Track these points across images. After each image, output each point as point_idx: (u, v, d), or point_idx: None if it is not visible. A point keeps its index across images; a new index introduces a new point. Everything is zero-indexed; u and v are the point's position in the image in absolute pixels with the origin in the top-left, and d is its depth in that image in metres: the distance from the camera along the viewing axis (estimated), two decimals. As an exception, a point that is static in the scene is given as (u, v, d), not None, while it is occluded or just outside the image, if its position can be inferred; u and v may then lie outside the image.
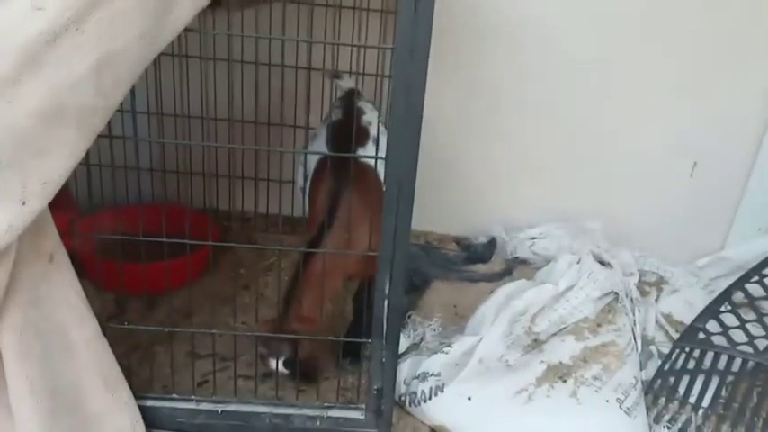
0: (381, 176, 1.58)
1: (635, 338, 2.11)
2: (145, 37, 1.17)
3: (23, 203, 1.17)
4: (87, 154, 1.22)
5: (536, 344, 2.02)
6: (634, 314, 2.21)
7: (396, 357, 1.46)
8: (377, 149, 1.47)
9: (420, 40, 1.19)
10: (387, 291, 1.36)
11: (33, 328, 1.30)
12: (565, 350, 1.94)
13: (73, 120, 1.16)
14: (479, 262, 2.46)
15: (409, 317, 2.11)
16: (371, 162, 1.65)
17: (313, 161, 1.89)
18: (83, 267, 1.99)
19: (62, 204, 1.41)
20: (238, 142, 2.35)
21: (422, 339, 2.02)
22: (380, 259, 1.35)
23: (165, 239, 1.46)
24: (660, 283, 2.51)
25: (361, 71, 2.22)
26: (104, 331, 1.45)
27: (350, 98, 2.01)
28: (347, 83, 2.13)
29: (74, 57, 1.12)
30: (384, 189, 1.35)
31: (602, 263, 2.32)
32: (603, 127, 2.47)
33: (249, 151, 2.38)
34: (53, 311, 1.34)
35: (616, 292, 2.21)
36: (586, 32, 2.36)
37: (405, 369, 1.86)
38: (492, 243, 2.52)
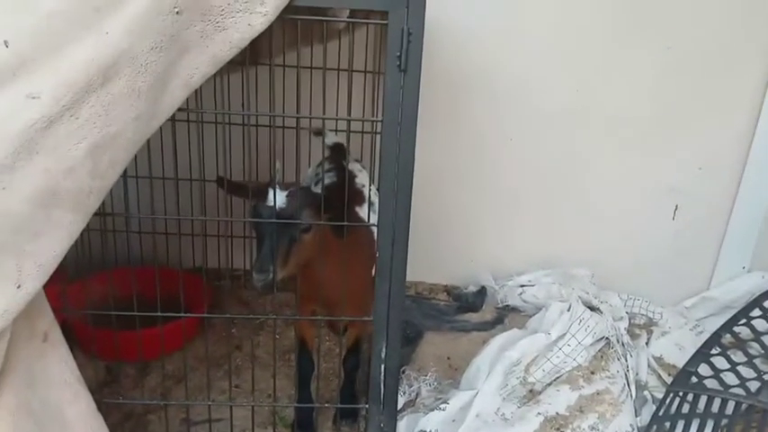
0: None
1: (629, 385, 2.13)
2: (140, 119, 1.20)
3: (18, 287, 1.17)
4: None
5: (531, 395, 2.03)
6: (626, 359, 2.22)
7: (394, 421, 1.46)
8: (369, 213, 1.50)
9: (408, 108, 1.23)
10: (383, 354, 1.37)
11: (26, 409, 1.29)
12: (560, 400, 1.95)
13: (68, 202, 1.17)
14: (470, 311, 2.48)
15: (403, 372, 2.10)
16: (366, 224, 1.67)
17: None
18: (73, 335, 1.99)
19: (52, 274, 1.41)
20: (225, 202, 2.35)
21: (417, 395, 2.02)
22: (376, 322, 1.36)
23: (159, 313, 1.44)
24: (649, 325, 2.53)
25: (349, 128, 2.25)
26: (99, 407, 1.44)
27: (339, 158, 2.05)
28: (332, 138, 2.17)
29: (69, 142, 1.14)
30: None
31: (591, 308, 2.34)
32: (586, 174, 2.52)
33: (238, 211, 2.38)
34: (48, 390, 1.32)
35: (608, 338, 2.23)
36: (560, 83, 2.43)
37: (402, 428, 1.85)
38: (482, 292, 2.53)
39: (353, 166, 2.03)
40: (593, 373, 2.12)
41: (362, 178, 2.02)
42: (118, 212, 1.46)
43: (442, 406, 1.88)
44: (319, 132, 2.22)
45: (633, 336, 2.44)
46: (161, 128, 1.27)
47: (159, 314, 1.44)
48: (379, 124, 1.26)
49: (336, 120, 2.11)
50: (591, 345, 2.17)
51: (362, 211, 1.83)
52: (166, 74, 1.19)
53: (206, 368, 2.00)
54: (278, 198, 1.49)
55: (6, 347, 1.22)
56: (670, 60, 2.38)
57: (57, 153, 1.14)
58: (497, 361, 2.04)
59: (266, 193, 1.50)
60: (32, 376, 1.29)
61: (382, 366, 1.36)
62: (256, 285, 1.41)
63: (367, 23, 1.34)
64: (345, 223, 1.42)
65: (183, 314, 1.52)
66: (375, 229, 1.47)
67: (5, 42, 1.08)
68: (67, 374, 1.35)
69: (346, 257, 1.62)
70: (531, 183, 2.54)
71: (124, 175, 1.37)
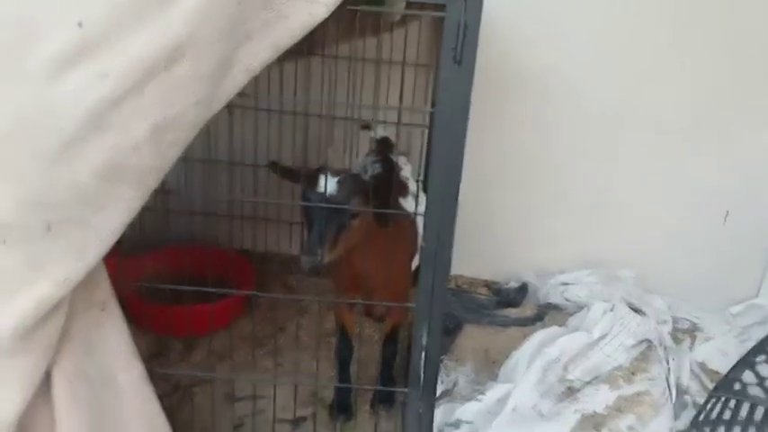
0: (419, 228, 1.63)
1: (669, 388, 2.11)
2: (200, 103, 1.24)
3: (80, 257, 1.23)
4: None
5: (570, 392, 2.02)
6: (668, 363, 2.20)
7: (432, 408, 1.48)
8: (416, 204, 1.52)
9: (461, 101, 1.25)
10: (424, 342, 1.39)
11: (83, 375, 1.35)
12: (599, 399, 1.94)
13: (131, 178, 1.23)
14: (510, 306, 2.48)
15: (441, 361, 2.12)
16: (410, 214, 1.70)
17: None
18: (125, 308, 2.07)
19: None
20: (276, 187, 2.41)
21: (455, 385, 2.04)
22: (418, 311, 1.39)
23: (210, 289, 1.50)
24: (693, 330, 2.49)
25: (399, 119, 2.28)
26: (149, 376, 1.50)
27: (385, 151, 2.08)
28: (380, 132, 2.20)
29: (134, 120, 1.19)
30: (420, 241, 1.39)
31: (635, 310, 2.33)
32: (634, 173, 2.49)
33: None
34: (103, 358, 1.39)
35: (650, 340, 2.21)
36: (611, 85, 2.40)
37: (438, 416, 1.87)
38: (523, 288, 2.53)
39: (399, 159, 2.06)
40: (633, 374, 2.11)
41: (407, 171, 2.05)
42: (174, 191, 1.49)
43: (479, 397, 1.90)
44: (367, 126, 2.25)
45: (676, 340, 2.41)
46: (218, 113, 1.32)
47: (209, 290, 1.48)
48: (429, 117, 1.27)
49: (386, 109, 2.13)
50: (633, 346, 2.16)
51: (406, 204, 1.86)
52: (228, 60, 1.23)
53: (251, 347, 2.07)
54: (329, 183, 1.52)
55: (66, 315, 1.29)
56: (720, 62, 2.33)
57: (123, 130, 1.19)
58: (537, 356, 2.04)
59: (317, 179, 1.53)
60: (89, 344, 1.35)
61: (423, 354, 1.39)
62: (304, 267, 1.45)
63: (423, 16, 1.36)
64: (390, 211, 1.45)
65: (231, 291, 1.55)
66: (419, 222, 1.50)
67: (79, 23, 1.13)
68: (122, 344, 1.42)
69: (388, 247, 1.66)
70: (577, 182, 2.53)
71: (183, 157, 1.43)
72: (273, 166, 1.63)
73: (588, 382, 2.06)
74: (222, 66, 1.24)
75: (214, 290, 1.51)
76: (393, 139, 2.20)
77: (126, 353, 1.43)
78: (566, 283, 2.48)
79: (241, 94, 1.35)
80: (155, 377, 1.54)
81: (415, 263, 1.87)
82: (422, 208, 1.39)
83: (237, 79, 1.26)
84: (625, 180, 2.51)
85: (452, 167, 1.29)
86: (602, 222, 2.56)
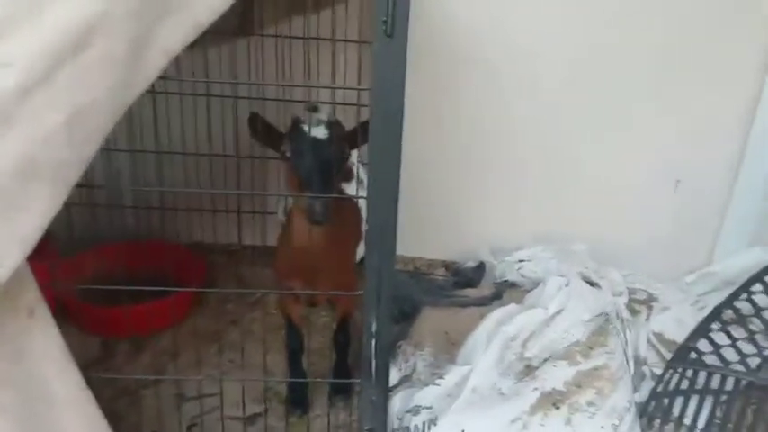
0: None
1: (627, 360, 2.10)
2: (117, 86, 1.16)
3: (-2, 262, 1.14)
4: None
5: (528, 370, 2.00)
6: (625, 335, 2.20)
7: (386, 397, 1.44)
8: (357, 189, 1.46)
9: (395, 77, 1.19)
10: (374, 329, 1.34)
11: (11, 384, 1.27)
12: (558, 376, 1.92)
13: (47, 174, 1.14)
14: (469, 286, 2.44)
15: (399, 347, 2.08)
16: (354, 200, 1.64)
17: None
18: (65, 311, 1.98)
19: (40, 249, 1.39)
20: (220, 176, 2.33)
21: (413, 371, 2.00)
22: (366, 297, 1.34)
23: (145, 288, 1.42)
24: (650, 301, 2.50)
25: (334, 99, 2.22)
26: (89, 382, 1.42)
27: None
28: (324, 115, 2.12)
29: (46, 111, 1.10)
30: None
31: (590, 283, 2.32)
32: (585, 147, 2.47)
33: (231, 184, 2.36)
34: (33, 365, 1.30)
35: (606, 314, 2.20)
36: (560, 53, 2.36)
37: (397, 403, 1.83)
38: (481, 267, 2.50)
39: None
40: (591, 348, 2.08)
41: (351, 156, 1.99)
42: (105, 185, 1.40)
43: (438, 381, 1.86)
44: (314, 108, 2.17)
45: (633, 311, 2.40)
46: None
47: (143, 288, 1.40)
48: (365, 96, 1.22)
49: (317, 88, 2.06)
50: (589, 320, 2.15)
51: (350, 189, 1.80)
52: (144, 39, 1.15)
53: (202, 344, 2.00)
54: (317, 129, 1.46)
55: (-12, 322, 1.20)
56: (671, 29, 2.31)
57: (34, 123, 1.10)
58: (494, 336, 2.01)
59: (300, 128, 1.46)
60: (17, 351, 1.27)
61: (373, 342, 1.34)
62: (317, 212, 1.37)
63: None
64: (333, 195, 1.39)
65: (168, 288, 1.48)
66: (363, 206, 1.44)
67: (-26, 8, 1.04)
68: (55, 350, 1.33)
69: (333, 233, 1.59)
70: (531, 156, 2.50)
71: (108, 147, 1.34)
72: (254, 118, 1.50)
73: (546, 359, 2.03)
74: (138, 46, 1.16)
75: (149, 288, 1.42)
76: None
77: (59, 359, 1.35)
78: (522, 260, 2.45)
79: (164, 77, 1.28)
80: (99, 382, 1.47)
81: (360, 252, 1.82)
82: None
83: (156, 61, 1.18)
84: (577, 152, 2.49)
85: (391, 147, 1.23)
86: (557, 197, 2.54)
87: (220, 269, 2.44)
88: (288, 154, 1.49)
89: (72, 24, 1.08)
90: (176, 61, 1.32)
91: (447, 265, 2.60)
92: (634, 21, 2.31)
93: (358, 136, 1.44)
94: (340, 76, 2.17)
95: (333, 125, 1.51)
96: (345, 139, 1.48)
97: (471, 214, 2.61)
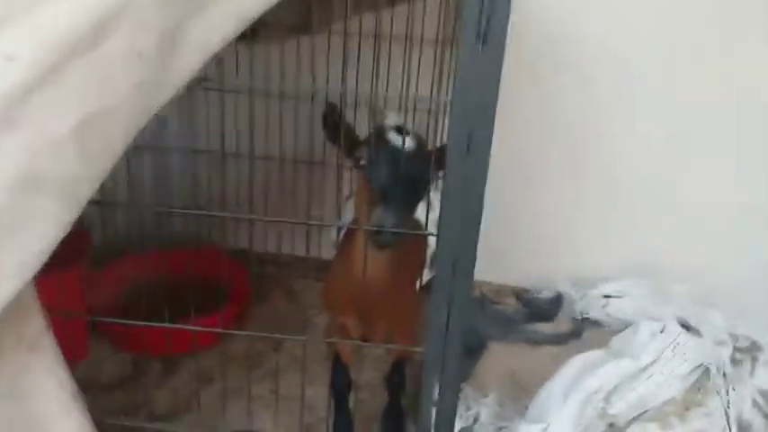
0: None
1: (729, 426, 1.79)
2: (143, 86, 0.95)
3: (-6, 288, 0.95)
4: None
5: (612, 430, 1.72)
6: (728, 393, 1.88)
7: (446, 473, 1.19)
8: (427, 213, 1.19)
9: (486, 91, 0.93)
10: (436, 396, 1.10)
11: (7, 425, 1.10)
12: (648, 443, 1.64)
13: (53, 190, 0.94)
14: (542, 320, 2.17)
15: (460, 390, 1.82)
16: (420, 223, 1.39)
17: (350, 215, 1.65)
18: (96, 324, 1.81)
19: (70, 255, 1.22)
20: (275, 181, 2.13)
21: (475, 421, 1.74)
22: (427, 356, 1.09)
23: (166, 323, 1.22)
24: (754, 350, 2.15)
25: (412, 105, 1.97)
26: (99, 425, 1.23)
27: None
28: (393, 120, 1.87)
29: (52, 115, 0.90)
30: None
31: (687, 328, 2.01)
32: (692, 172, 2.14)
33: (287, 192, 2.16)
34: (33, 405, 1.13)
35: (706, 367, 1.90)
36: (668, 60, 2.06)
37: (456, 461, 1.58)
38: (558, 299, 2.21)
39: None
40: (687, 409, 1.81)
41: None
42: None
43: (505, 439, 1.60)
44: (380, 113, 1.93)
45: (734, 362, 2.07)
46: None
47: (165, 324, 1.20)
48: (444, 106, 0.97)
49: (383, 97, 1.82)
50: (687, 374, 1.85)
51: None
52: (177, 32, 0.94)
53: (243, 368, 1.81)
54: (406, 139, 1.26)
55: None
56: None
57: (39, 128, 0.91)
58: (574, 388, 1.74)
59: (384, 134, 1.26)
60: (14, 389, 1.09)
61: (434, 410, 1.09)
62: (384, 235, 1.16)
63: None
64: (399, 230, 1.14)
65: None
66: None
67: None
68: (57, 387, 1.15)
69: (397, 260, 1.35)
70: (627, 177, 2.18)
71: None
72: (332, 111, 1.29)
73: (634, 419, 1.75)
74: (170, 39, 0.94)
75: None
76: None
77: (62, 397, 1.17)
78: (608, 296, 2.15)
79: (205, 79, 1.06)
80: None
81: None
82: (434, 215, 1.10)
83: (191, 58, 0.96)
84: (683, 176, 2.16)
85: (474, 173, 0.98)
86: (651, 224, 2.21)
87: (269, 282, 2.24)
88: (363, 162, 1.29)
89: (87, 14, 0.88)
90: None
91: (518, 294, 2.31)
92: (744, 42, 1.99)
93: (436, 158, 1.19)
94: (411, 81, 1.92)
95: (420, 138, 1.31)
96: (431, 157, 1.24)
97: (550, 235, 2.31)
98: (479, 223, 1.02)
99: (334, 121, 1.29)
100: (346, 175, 2.14)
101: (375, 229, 1.16)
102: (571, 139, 2.17)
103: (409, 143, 1.27)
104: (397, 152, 1.24)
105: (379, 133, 1.32)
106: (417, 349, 1.09)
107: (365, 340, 1.55)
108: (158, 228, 2.20)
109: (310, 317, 2.11)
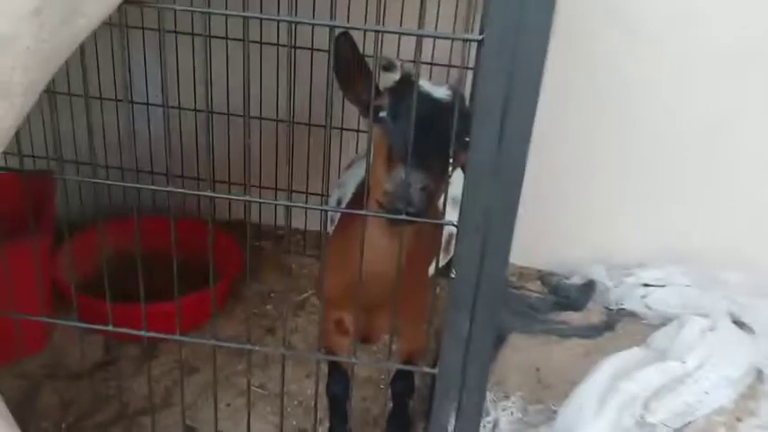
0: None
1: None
2: (42, 13, 0.69)
3: None
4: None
5: (651, 441, 1.49)
6: (784, 400, 1.64)
7: None
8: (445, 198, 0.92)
9: (533, 25, 0.66)
10: (453, 427, 0.85)
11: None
12: (694, 460, 1.41)
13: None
14: (571, 309, 1.93)
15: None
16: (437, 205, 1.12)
17: (353, 184, 1.39)
18: (65, 300, 1.59)
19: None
20: (271, 144, 1.88)
21: (495, 427, 1.51)
22: (443, 377, 0.84)
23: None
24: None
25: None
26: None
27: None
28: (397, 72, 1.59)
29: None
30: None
31: (738, 324, 1.76)
32: (751, 145, 1.86)
33: (283, 159, 1.90)
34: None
35: (760, 370, 1.66)
36: (727, 16, 1.77)
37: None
38: (589, 286, 1.96)
39: None
40: (738, 420, 1.58)
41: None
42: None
43: (530, 454, 1.37)
44: (389, 66, 1.63)
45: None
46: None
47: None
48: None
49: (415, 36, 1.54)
50: (739, 379, 1.60)
51: None
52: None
53: (227, 356, 1.59)
54: (438, 89, 1.02)
55: None
56: None
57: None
58: (610, 394, 1.49)
59: (412, 82, 0.96)
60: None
61: (447, 442, 0.85)
62: (402, 196, 0.91)
63: None
64: (403, 217, 0.87)
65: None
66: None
67: None
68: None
69: (412, 244, 1.09)
70: (674, 148, 1.90)
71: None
72: (345, 38, 0.99)
73: (678, 430, 1.51)
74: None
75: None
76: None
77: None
78: (648, 285, 1.89)
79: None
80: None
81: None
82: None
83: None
84: (740, 150, 1.89)
85: (512, 140, 0.72)
86: (705, 205, 1.94)
87: (262, 258, 2.01)
88: (384, 114, 1.02)
89: None
90: None
91: (544, 279, 2.06)
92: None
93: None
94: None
95: (458, 90, 1.04)
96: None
97: (582, 212, 2.03)
98: (515, 214, 0.77)
99: (347, 55, 1.00)
100: (350, 138, 1.90)
101: (391, 200, 0.91)
102: (606, 110, 1.90)
103: (444, 92, 1.03)
104: (430, 102, 0.99)
105: (406, 80, 1.08)
106: (429, 370, 0.84)
107: (365, 337, 1.30)
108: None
109: (304, 299, 1.88)
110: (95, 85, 1.88)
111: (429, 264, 1.30)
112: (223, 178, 1.98)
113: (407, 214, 0.90)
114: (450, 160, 0.89)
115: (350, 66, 1.02)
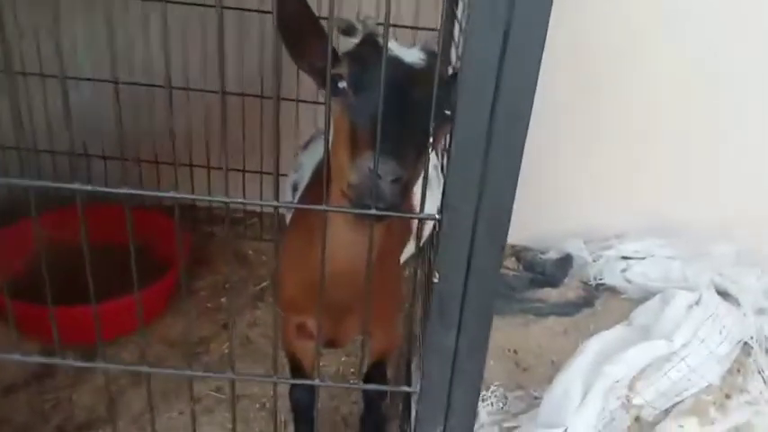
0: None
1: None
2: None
3: None
4: None
5: (639, 426, 1.41)
6: (769, 373, 1.58)
7: None
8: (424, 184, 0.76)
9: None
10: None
11: None
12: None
13: None
14: (548, 286, 1.85)
15: None
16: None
17: (309, 167, 1.23)
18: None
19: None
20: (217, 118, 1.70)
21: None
22: (425, 397, 0.71)
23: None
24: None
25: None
26: None
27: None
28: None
29: None
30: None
31: (723, 296, 1.68)
32: (737, 110, 1.80)
33: (236, 136, 1.73)
34: None
35: (746, 342, 1.61)
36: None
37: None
38: (566, 260, 1.88)
39: None
40: (728, 396, 1.52)
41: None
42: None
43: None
44: (349, 30, 1.45)
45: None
46: None
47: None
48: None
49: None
50: (726, 355, 1.53)
51: None
52: None
53: (180, 360, 1.44)
54: (409, 52, 0.84)
55: None
56: None
57: None
58: (595, 379, 1.40)
59: (377, 44, 0.84)
60: None
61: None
62: (370, 190, 0.72)
63: None
64: (373, 212, 0.70)
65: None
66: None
67: None
68: None
69: (382, 238, 0.93)
70: (655, 114, 1.82)
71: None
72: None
73: (666, 411, 1.44)
74: None
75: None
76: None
77: None
78: (628, 257, 1.81)
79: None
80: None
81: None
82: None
83: None
84: (725, 115, 1.81)
85: (506, 123, 0.58)
86: (687, 173, 1.87)
87: (216, 244, 1.84)
88: (343, 85, 0.83)
89: None
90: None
91: (518, 255, 1.95)
92: None
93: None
94: None
95: (432, 54, 0.85)
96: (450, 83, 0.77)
97: (559, 185, 1.93)
98: (511, 205, 0.64)
99: (292, 15, 0.82)
100: (306, 110, 1.72)
101: (358, 195, 0.74)
102: (583, 73, 1.79)
103: (417, 55, 0.84)
104: (399, 67, 0.81)
105: (369, 41, 0.87)
106: (407, 389, 0.71)
107: (332, 341, 1.15)
108: (76, 179, 1.77)
109: (263, 289, 1.73)
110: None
111: (400, 252, 1.16)
112: (168, 159, 1.79)
113: (378, 209, 0.72)
114: (430, 140, 0.72)
115: (300, 26, 0.84)
